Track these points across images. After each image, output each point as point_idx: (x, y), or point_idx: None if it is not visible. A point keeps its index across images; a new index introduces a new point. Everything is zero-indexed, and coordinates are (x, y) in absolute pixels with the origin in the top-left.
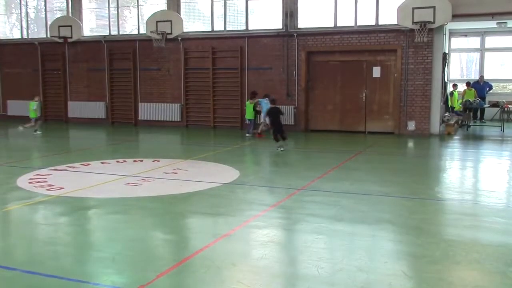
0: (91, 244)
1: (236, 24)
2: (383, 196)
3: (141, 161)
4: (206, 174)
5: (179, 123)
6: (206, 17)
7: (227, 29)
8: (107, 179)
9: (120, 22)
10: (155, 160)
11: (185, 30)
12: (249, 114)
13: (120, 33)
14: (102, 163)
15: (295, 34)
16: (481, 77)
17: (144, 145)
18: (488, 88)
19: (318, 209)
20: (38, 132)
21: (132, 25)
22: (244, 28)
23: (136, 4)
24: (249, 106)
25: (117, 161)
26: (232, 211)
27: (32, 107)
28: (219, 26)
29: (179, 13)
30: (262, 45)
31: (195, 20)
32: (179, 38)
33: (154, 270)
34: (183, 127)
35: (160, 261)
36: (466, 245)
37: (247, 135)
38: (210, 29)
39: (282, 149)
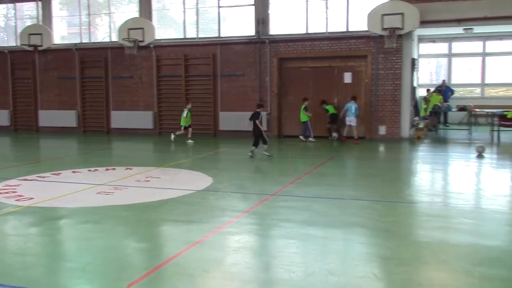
0: (62, 254)
1: (208, 31)
2: (354, 200)
3: (114, 169)
4: (179, 181)
5: (152, 131)
6: (178, 24)
7: (200, 36)
8: (78, 188)
9: (92, 30)
10: (128, 168)
11: (157, 37)
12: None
13: (92, 40)
14: (73, 172)
15: (267, 41)
16: (444, 81)
17: (116, 153)
18: (450, 93)
19: (291, 214)
20: None
21: (103, 32)
22: (217, 35)
23: (108, 12)
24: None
25: (89, 170)
26: (205, 218)
27: None
28: (191, 33)
29: (151, 21)
30: (234, 52)
31: (167, 27)
32: (151, 45)
33: (125, 279)
34: (156, 135)
35: (132, 270)
36: (435, 246)
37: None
38: (183, 36)
39: (251, 154)
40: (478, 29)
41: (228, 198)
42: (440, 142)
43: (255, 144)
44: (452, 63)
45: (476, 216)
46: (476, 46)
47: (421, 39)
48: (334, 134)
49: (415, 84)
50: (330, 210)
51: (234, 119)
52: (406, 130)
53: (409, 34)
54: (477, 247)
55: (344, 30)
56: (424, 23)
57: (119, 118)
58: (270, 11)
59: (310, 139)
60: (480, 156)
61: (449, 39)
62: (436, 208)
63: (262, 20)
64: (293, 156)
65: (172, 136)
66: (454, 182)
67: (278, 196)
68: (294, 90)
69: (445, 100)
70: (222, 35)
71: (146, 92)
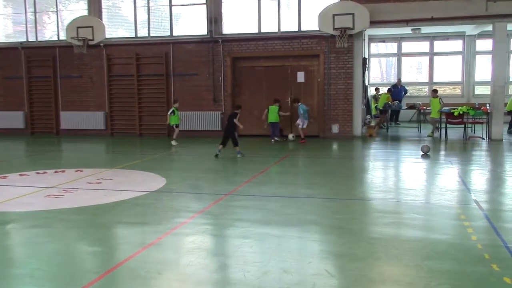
0: (8, 260)
1: (160, 30)
2: (308, 198)
3: (63, 171)
4: (132, 183)
5: (104, 132)
6: (129, 23)
7: (152, 35)
8: (26, 191)
9: (39, 28)
10: (78, 170)
11: (107, 36)
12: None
13: (39, 39)
14: (20, 175)
15: (220, 40)
16: (399, 80)
17: (66, 155)
18: (404, 92)
19: (245, 214)
20: None
21: (51, 31)
22: (169, 34)
23: (56, 10)
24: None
25: (37, 173)
26: (159, 219)
27: None
28: (143, 32)
29: (101, 19)
30: (187, 51)
31: (118, 26)
32: (102, 44)
33: (76, 284)
34: (107, 136)
35: (83, 274)
36: (386, 242)
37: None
38: (134, 35)
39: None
40: (426, 29)
41: (182, 199)
42: (391, 139)
43: (223, 143)
44: (402, 63)
45: (425, 211)
46: (424, 45)
47: (372, 39)
48: (291, 135)
49: (366, 83)
50: (284, 208)
51: (188, 119)
52: (358, 128)
53: (360, 34)
54: (427, 242)
55: (297, 29)
56: (374, 23)
57: (69, 119)
58: (222, 10)
59: (276, 138)
60: (425, 155)
61: (399, 39)
62: (387, 205)
63: (214, 19)
64: (248, 155)
65: (173, 142)
66: (405, 178)
67: (233, 195)
68: (248, 90)
69: (399, 98)
70: (174, 34)
71: (97, 92)
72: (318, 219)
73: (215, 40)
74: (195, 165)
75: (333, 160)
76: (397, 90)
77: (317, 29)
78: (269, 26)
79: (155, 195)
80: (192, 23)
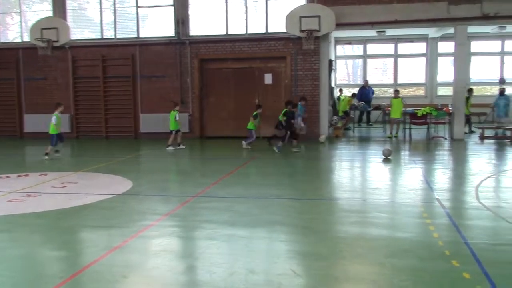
0: None
1: (127, 32)
2: (275, 199)
3: (27, 175)
4: (98, 186)
5: (69, 135)
6: (95, 24)
7: (118, 36)
8: None
9: (2, 30)
10: (42, 174)
11: (73, 37)
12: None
13: (2, 40)
14: None
15: (187, 42)
16: (366, 81)
17: (30, 158)
18: (372, 94)
19: (212, 215)
20: None
21: (15, 32)
22: (136, 35)
23: (19, 11)
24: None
25: None
26: (125, 222)
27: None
28: (109, 34)
29: (66, 20)
30: (154, 53)
31: (83, 27)
32: (67, 46)
33: None
34: (73, 139)
35: (46, 279)
36: (352, 240)
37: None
38: (100, 37)
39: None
40: (390, 31)
41: (149, 201)
42: (357, 140)
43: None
44: (368, 64)
45: (390, 210)
46: (389, 48)
47: (338, 41)
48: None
49: (333, 85)
50: (251, 209)
51: (155, 121)
52: (325, 129)
53: (326, 36)
54: (390, 240)
55: (264, 31)
56: (339, 25)
57: (33, 122)
58: (189, 12)
59: (247, 142)
60: (386, 159)
61: (364, 41)
62: (353, 204)
63: (182, 20)
64: (216, 156)
65: (170, 148)
66: (370, 178)
67: (200, 197)
68: (216, 91)
69: (368, 99)
70: (141, 35)
71: (62, 94)
72: (285, 219)
73: (182, 42)
74: (162, 167)
75: (300, 161)
76: (365, 91)
77: (284, 31)
78: (237, 28)
79: (121, 198)
80: (159, 25)
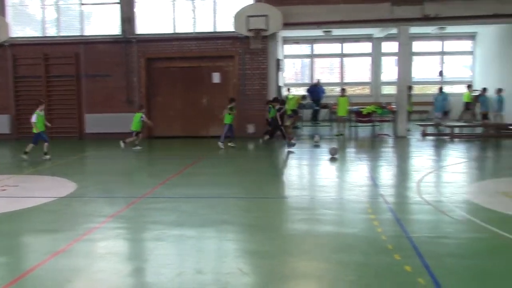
0: None
1: (71, 30)
2: (223, 198)
3: None
4: (40, 189)
5: (9, 136)
6: (37, 21)
7: (61, 34)
8: None
9: None
10: None
11: (13, 35)
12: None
13: None
14: None
15: (133, 40)
16: (318, 80)
17: None
18: (322, 93)
19: (159, 216)
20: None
21: None
22: (80, 33)
23: None
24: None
25: None
26: (68, 225)
27: None
28: (52, 31)
29: (5, 17)
30: (99, 52)
31: (25, 24)
32: (6, 43)
33: None
34: (14, 140)
35: None
36: (299, 237)
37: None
38: (42, 34)
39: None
40: (336, 31)
41: (94, 204)
42: (305, 138)
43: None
44: (315, 64)
45: (336, 207)
46: (335, 47)
47: (286, 40)
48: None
49: (281, 84)
50: (199, 209)
51: (101, 121)
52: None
53: (274, 35)
54: (336, 236)
55: (212, 30)
56: (287, 25)
57: None
58: (136, 10)
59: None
60: (333, 158)
61: (311, 40)
62: (300, 202)
63: (127, 18)
64: (163, 156)
65: (122, 144)
66: (317, 176)
67: (147, 198)
68: (163, 91)
69: (319, 98)
70: (85, 33)
71: (2, 94)
72: (232, 218)
73: (128, 40)
74: (108, 168)
75: (249, 159)
76: (317, 90)
77: (232, 30)
78: (184, 27)
79: (65, 201)
80: (104, 23)
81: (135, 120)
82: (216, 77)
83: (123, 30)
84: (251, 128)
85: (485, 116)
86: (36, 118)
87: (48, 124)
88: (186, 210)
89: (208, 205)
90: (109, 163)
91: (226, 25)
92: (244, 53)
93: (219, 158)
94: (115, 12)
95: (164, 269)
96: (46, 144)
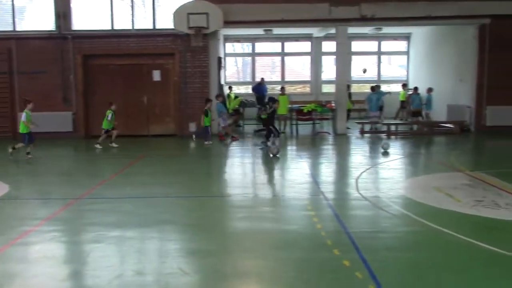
0: None
1: (2, 24)
2: (164, 198)
3: None
4: None
5: None
6: None
7: None
8: None
9: None
10: None
11: None
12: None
13: None
14: None
15: (69, 37)
16: (262, 79)
17: None
18: (265, 92)
19: (98, 217)
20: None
21: None
22: (12, 28)
23: None
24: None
25: None
26: (1, 229)
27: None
28: None
29: None
30: (33, 48)
31: None
32: None
33: None
34: None
35: None
36: (240, 235)
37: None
38: None
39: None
40: (277, 30)
41: (28, 206)
42: (247, 137)
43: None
44: (256, 62)
45: (277, 204)
46: (276, 46)
47: (227, 38)
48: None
49: (222, 82)
50: (140, 209)
51: (36, 120)
52: (215, 126)
53: (215, 33)
54: (277, 233)
55: (151, 27)
56: (228, 23)
57: None
58: (72, 5)
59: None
60: (274, 157)
61: (253, 39)
62: (242, 200)
63: (63, 14)
64: (102, 156)
65: (98, 145)
66: (258, 174)
67: (85, 199)
68: (102, 89)
69: (262, 96)
70: (18, 29)
71: None
72: (174, 218)
73: (64, 37)
74: (44, 169)
75: (191, 158)
76: (261, 89)
77: (172, 27)
78: (123, 23)
79: None
80: (38, 18)
81: (105, 118)
82: (156, 75)
83: (58, 26)
84: (193, 127)
85: (416, 114)
86: (25, 117)
87: None
88: (127, 211)
89: (149, 205)
90: (45, 163)
91: (166, 22)
92: (185, 51)
93: (161, 157)
94: (49, 7)
95: (102, 271)
96: (22, 144)
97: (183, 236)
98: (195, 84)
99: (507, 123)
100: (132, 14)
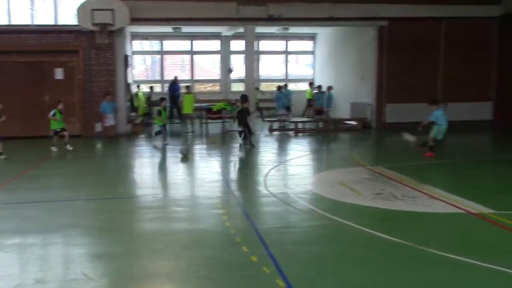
0: None
1: None
2: (69, 201)
3: None
4: None
5: None
6: None
7: None
8: None
9: None
10: None
11: None
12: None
13: None
14: None
15: None
16: (176, 77)
17: None
18: (177, 91)
19: None
20: None
21: None
22: None
23: None
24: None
25: None
26: None
27: None
28: None
29: None
30: None
31: None
32: None
33: None
34: None
35: None
36: (148, 237)
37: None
38: None
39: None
40: (186, 28)
41: None
42: (156, 136)
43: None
44: (165, 60)
45: (186, 204)
46: (185, 44)
47: (135, 36)
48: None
49: (130, 80)
50: (41, 214)
51: None
52: (123, 126)
53: (121, 30)
54: (186, 232)
55: (53, 23)
56: (135, 20)
57: None
58: None
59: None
60: (184, 158)
61: (161, 37)
62: (151, 200)
63: None
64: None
65: (53, 149)
66: (168, 174)
67: None
68: None
69: (176, 95)
70: None
71: None
72: (79, 221)
73: None
74: None
75: (97, 159)
76: (175, 87)
77: (76, 23)
78: (21, 18)
79: None
80: None
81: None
82: (59, 73)
83: None
84: (99, 127)
85: (319, 112)
86: None
87: None
88: (27, 216)
89: (53, 209)
90: None
91: (69, 18)
92: (89, 48)
93: (65, 159)
94: None
95: (0, 281)
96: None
97: (88, 240)
98: (101, 82)
99: (405, 120)
100: (32, 9)
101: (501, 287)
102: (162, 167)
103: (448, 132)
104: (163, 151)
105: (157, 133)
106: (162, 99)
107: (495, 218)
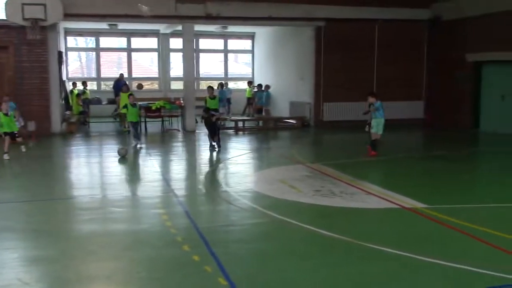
0: None
1: None
2: (1, 204)
3: None
4: None
5: None
6: None
7: None
8: None
9: None
10: None
11: None
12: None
13: None
14: None
15: None
16: (121, 75)
17: None
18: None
19: None
20: None
21: None
22: None
23: None
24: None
25: None
26: None
27: None
28: None
29: None
30: None
31: None
32: None
33: None
34: None
35: None
36: (85, 239)
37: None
38: None
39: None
40: (123, 25)
41: None
42: (92, 135)
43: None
44: (101, 57)
45: (126, 204)
46: (122, 41)
47: (69, 32)
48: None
49: (64, 78)
50: None
51: None
52: (57, 125)
53: (54, 26)
54: (126, 233)
55: None
56: (68, 16)
57: None
58: None
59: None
60: (123, 158)
61: (97, 33)
62: (88, 201)
63: None
64: None
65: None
66: (106, 174)
67: None
68: None
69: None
70: None
71: None
72: (12, 224)
73: None
74: None
75: (31, 159)
76: (120, 85)
77: (4, 18)
78: None
79: None
80: None
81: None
82: None
83: None
84: (31, 126)
85: (259, 110)
86: None
87: None
88: None
89: None
90: None
91: None
92: (20, 43)
93: None
94: None
95: None
96: None
97: (22, 244)
98: (33, 80)
99: (341, 118)
100: None
101: (437, 277)
102: (100, 167)
103: (383, 130)
104: (99, 150)
105: (135, 136)
106: (130, 94)
107: (427, 212)
